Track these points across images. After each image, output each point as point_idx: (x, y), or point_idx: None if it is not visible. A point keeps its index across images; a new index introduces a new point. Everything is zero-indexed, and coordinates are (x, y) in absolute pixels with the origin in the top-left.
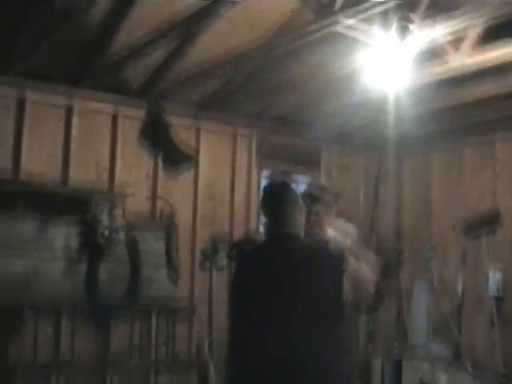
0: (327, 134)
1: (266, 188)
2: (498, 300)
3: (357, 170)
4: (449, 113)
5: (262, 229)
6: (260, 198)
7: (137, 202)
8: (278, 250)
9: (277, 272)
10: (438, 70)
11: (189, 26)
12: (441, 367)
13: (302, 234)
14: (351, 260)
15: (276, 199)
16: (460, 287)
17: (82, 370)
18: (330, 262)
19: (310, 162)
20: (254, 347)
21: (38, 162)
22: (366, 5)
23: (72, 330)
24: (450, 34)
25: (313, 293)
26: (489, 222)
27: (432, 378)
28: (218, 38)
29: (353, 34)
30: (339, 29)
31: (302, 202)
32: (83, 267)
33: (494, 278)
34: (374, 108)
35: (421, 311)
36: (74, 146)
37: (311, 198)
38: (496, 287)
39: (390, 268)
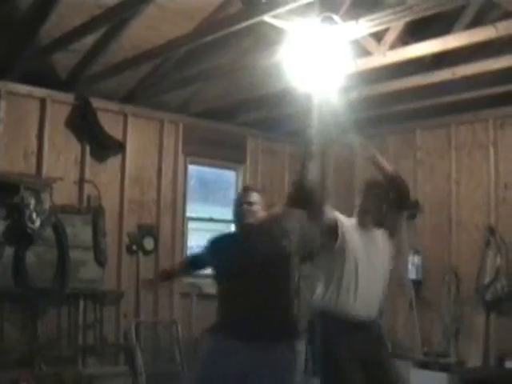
0: (253, 121)
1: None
2: (417, 283)
3: (282, 156)
4: (372, 102)
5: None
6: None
7: (65, 186)
8: None
9: None
10: (361, 62)
11: (120, 12)
12: None
13: None
14: None
15: None
16: None
17: (9, 355)
18: None
19: (236, 147)
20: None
21: None
22: None
23: None
24: (373, 27)
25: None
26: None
27: None
28: (149, 25)
29: (279, 24)
30: (266, 18)
31: None
32: (10, 251)
33: (414, 261)
34: (298, 96)
35: None
36: (1, 129)
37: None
38: (415, 271)
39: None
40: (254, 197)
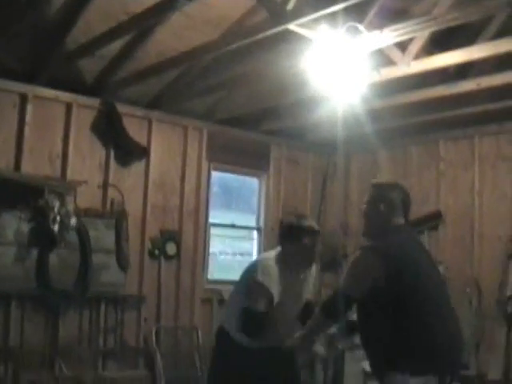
0: (277, 129)
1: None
2: None
3: (306, 165)
4: (395, 112)
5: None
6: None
7: (89, 190)
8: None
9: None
10: (385, 72)
11: (146, 19)
12: None
13: None
14: None
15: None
16: None
17: (31, 356)
18: None
19: (259, 155)
20: None
21: None
22: (317, 5)
23: (22, 315)
24: (397, 37)
25: None
26: (431, 220)
27: None
28: (174, 32)
29: (304, 33)
30: (291, 27)
31: None
32: (34, 253)
33: None
34: (323, 106)
35: None
36: (27, 132)
37: None
38: None
39: (335, 262)
40: None
